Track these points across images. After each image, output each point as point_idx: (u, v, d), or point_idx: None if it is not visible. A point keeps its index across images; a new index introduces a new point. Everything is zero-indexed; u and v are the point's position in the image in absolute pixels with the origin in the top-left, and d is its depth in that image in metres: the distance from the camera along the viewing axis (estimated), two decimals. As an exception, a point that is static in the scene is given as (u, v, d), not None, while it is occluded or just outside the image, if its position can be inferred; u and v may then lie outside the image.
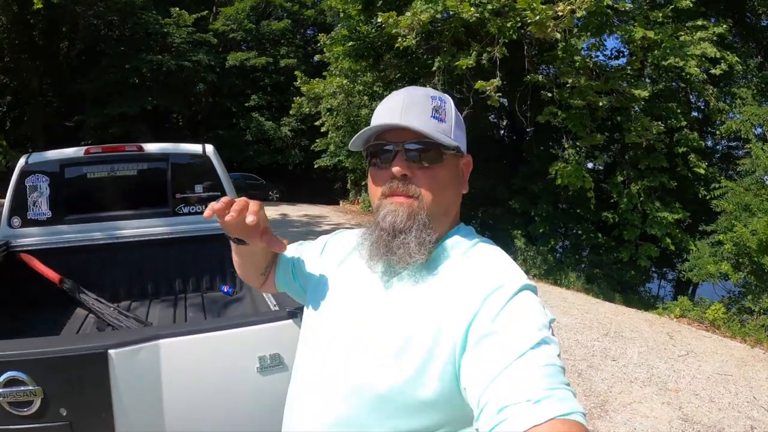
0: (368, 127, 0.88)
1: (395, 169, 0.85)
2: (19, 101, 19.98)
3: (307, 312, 1.03)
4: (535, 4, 6.46)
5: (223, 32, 22.36)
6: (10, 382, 1.23)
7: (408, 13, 7.39)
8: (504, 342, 0.70)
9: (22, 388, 1.23)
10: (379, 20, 7.67)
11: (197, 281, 3.56)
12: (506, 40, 7.46)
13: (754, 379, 5.00)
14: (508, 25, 7.26)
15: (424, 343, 0.78)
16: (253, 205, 0.89)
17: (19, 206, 3.14)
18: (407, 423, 0.79)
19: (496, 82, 7.16)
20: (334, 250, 1.06)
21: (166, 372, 1.37)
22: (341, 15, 10.44)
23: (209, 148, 3.51)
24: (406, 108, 0.86)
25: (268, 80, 23.62)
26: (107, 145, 3.35)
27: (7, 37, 18.50)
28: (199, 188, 3.51)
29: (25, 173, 3.14)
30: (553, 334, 0.73)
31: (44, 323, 2.84)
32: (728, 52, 9.43)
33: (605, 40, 9.99)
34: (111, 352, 1.29)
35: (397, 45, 7.72)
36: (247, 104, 22.72)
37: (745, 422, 4.03)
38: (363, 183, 18.84)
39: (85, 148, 3.28)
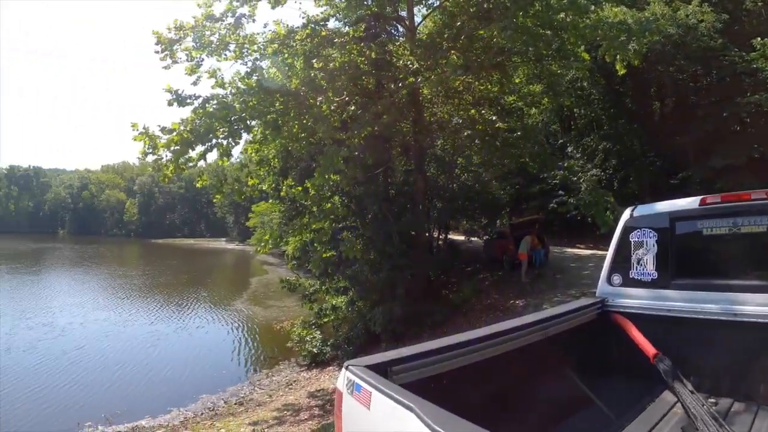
0: None
1: None
2: (623, 163, 20.93)
3: None
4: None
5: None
6: None
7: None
8: None
9: None
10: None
11: None
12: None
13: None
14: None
15: None
16: None
17: (622, 263, 2.87)
18: None
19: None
20: None
21: None
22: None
23: None
24: None
25: None
26: (728, 193, 2.84)
27: (602, 107, 21.21)
28: None
29: (629, 227, 2.88)
30: None
31: (617, 397, 2.53)
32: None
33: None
34: None
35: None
36: None
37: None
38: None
39: (701, 197, 2.83)
